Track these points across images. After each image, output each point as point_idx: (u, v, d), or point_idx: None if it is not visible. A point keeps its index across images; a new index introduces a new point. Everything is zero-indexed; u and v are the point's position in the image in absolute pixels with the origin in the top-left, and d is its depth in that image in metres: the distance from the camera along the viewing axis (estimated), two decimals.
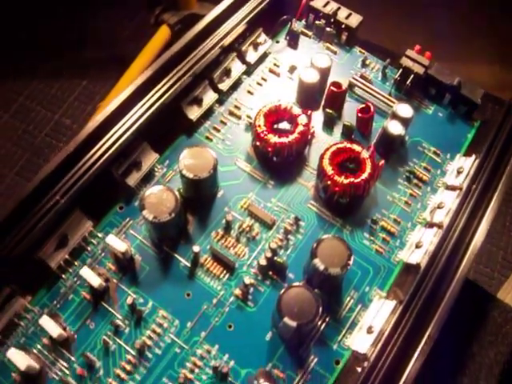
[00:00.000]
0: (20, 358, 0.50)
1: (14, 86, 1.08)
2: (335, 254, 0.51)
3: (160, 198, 0.52)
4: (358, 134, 0.62)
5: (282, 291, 0.50)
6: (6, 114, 1.06)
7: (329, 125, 0.62)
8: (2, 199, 0.99)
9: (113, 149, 0.55)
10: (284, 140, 0.57)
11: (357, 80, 0.63)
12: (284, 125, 0.59)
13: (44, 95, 1.08)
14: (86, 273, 0.52)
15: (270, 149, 0.57)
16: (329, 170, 0.56)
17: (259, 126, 0.57)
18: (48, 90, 1.07)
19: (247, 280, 0.53)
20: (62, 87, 1.07)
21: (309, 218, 0.57)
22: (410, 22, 1.15)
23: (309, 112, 0.58)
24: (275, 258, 0.54)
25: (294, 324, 0.48)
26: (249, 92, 0.64)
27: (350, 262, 0.51)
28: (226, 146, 0.60)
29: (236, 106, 0.62)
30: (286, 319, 0.48)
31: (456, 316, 0.53)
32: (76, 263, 0.55)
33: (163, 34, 0.98)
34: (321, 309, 0.49)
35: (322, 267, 0.50)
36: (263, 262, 0.53)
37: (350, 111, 0.63)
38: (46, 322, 0.51)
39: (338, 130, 0.62)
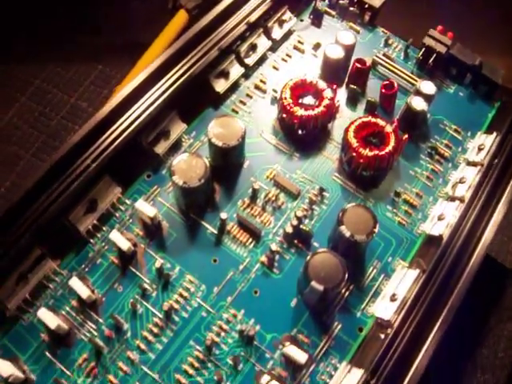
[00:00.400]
0: (50, 318, 0.50)
1: (30, 69, 1.09)
2: (361, 221, 0.52)
3: (190, 164, 0.53)
4: (381, 111, 0.63)
5: (310, 256, 0.51)
6: (23, 96, 1.06)
7: (352, 101, 0.63)
8: (19, 180, 0.99)
9: (142, 117, 0.56)
10: (310, 113, 0.58)
11: (380, 58, 0.64)
12: (309, 99, 0.60)
13: (60, 78, 1.08)
14: (116, 236, 0.53)
15: (296, 121, 0.58)
16: (354, 142, 0.57)
17: (285, 98, 0.58)
18: (64, 74, 1.08)
19: (273, 247, 0.54)
20: (78, 71, 1.08)
21: (333, 189, 0.58)
22: (423, 15, 1.16)
23: (334, 86, 0.59)
24: (301, 225, 0.54)
25: (320, 288, 0.49)
26: (274, 67, 0.65)
27: (376, 230, 0.52)
28: (252, 118, 0.61)
29: (261, 81, 0.63)
30: (313, 283, 0.49)
31: (475, 290, 0.54)
32: (104, 228, 0.55)
33: (181, 18, 0.99)
34: (347, 274, 0.50)
35: (347, 234, 0.51)
36: (289, 229, 0.54)
37: (373, 89, 0.64)
38: (76, 283, 0.52)
39: (361, 107, 0.63)
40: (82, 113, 1.05)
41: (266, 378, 0.49)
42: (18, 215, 0.52)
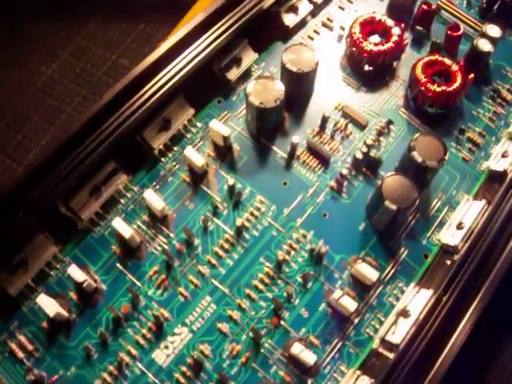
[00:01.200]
0: (124, 227, 0.51)
1: (71, 26, 1.10)
2: (432, 148, 0.53)
3: (266, 86, 0.54)
4: (445, 55, 0.64)
5: (383, 178, 0.51)
6: (65, 52, 1.07)
7: (417, 43, 0.64)
8: (59, 132, 1.00)
9: (215, 43, 0.57)
10: (380, 48, 0.58)
11: (444, 3, 0.65)
12: (375, 38, 0.61)
13: (101, 36, 1.09)
14: (190, 152, 0.54)
15: (365, 55, 0.59)
16: (422, 77, 0.58)
17: (355, 33, 0.59)
18: (105, 32, 1.09)
19: (344, 171, 0.54)
20: (120, 29, 1.09)
21: (399, 123, 0.59)
22: None
23: (402, 25, 0.60)
24: (370, 153, 0.55)
25: (394, 207, 0.50)
26: (340, 8, 0.66)
27: (446, 158, 0.53)
28: (320, 53, 0.62)
29: (328, 19, 0.64)
30: (386, 202, 0.50)
31: None
32: (175, 148, 0.56)
33: None
34: (418, 199, 0.51)
35: (419, 159, 0.52)
36: (359, 155, 0.55)
37: (437, 34, 0.65)
38: (150, 195, 0.52)
39: (425, 49, 0.64)
40: (123, 70, 1.06)
41: (338, 292, 0.49)
42: (94, 127, 0.53)
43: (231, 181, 0.53)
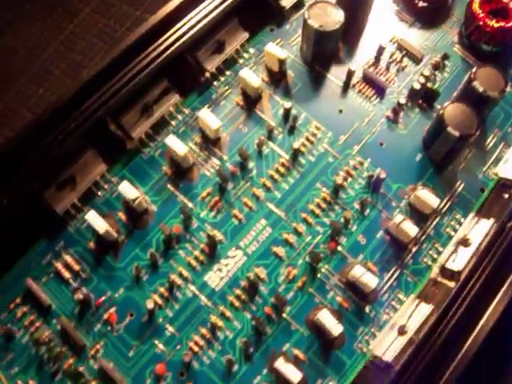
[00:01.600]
0: (179, 145, 0.49)
1: None
2: (493, 79, 0.52)
3: (325, 10, 0.53)
4: None
5: (445, 105, 0.50)
6: (87, 7, 1.05)
7: None
8: None
9: None
10: None
11: None
12: None
13: None
14: (246, 73, 0.52)
15: None
16: (479, 12, 0.56)
17: None
18: None
19: (402, 100, 0.53)
20: None
21: (454, 59, 0.58)
22: None
23: None
24: (428, 84, 0.54)
25: (456, 133, 0.49)
26: None
27: (507, 89, 0.52)
28: None
29: None
30: (449, 128, 0.49)
31: None
32: (228, 73, 0.55)
33: None
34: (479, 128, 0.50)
35: (481, 89, 0.51)
36: (417, 86, 0.54)
37: None
38: (205, 114, 0.50)
39: None
40: None
41: (399, 217, 0.48)
42: (147, 43, 0.51)
43: (288, 104, 0.52)
